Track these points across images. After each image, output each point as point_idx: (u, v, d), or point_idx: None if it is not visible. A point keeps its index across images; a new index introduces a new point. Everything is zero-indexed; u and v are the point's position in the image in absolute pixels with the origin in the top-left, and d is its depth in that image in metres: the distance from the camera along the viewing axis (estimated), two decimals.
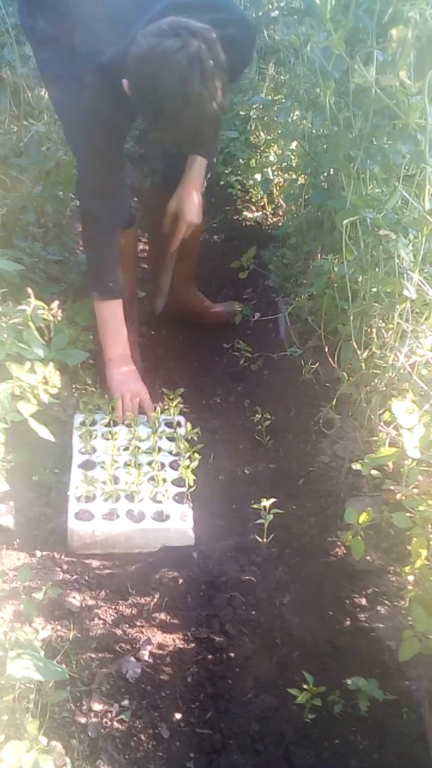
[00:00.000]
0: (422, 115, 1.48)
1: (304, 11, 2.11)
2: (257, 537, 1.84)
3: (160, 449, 2.07)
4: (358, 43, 1.77)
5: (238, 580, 1.72)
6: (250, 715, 1.47)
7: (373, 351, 1.87)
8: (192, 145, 2.02)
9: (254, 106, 3.37)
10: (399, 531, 1.58)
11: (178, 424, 2.18)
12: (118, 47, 1.77)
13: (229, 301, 2.82)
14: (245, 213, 3.39)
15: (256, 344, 2.57)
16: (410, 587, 1.55)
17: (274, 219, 3.31)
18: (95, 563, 1.79)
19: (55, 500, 1.96)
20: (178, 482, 1.98)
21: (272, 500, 1.80)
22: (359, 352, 1.87)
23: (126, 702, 1.47)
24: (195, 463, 1.98)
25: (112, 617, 1.65)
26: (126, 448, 2.05)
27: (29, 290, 1.42)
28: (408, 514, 1.43)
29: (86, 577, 1.74)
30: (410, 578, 1.55)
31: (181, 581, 1.74)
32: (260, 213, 3.36)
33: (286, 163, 3.15)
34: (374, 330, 1.87)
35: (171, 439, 2.13)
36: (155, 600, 1.68)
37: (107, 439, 2.08)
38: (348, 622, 1.64)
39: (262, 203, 3.41)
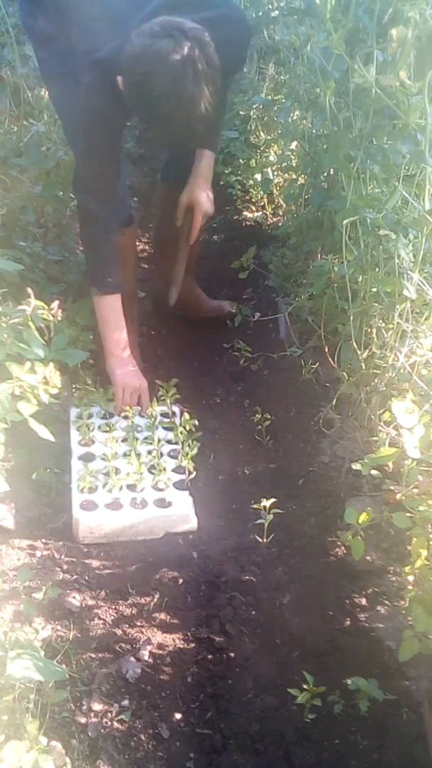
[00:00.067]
0: (422, 115, 1.48)
1: (304, 11, 2.12)
2: (257, 537, 1.84)
3: (158, 439, 2.11)
4: (358, 43, 1.77)
5: (238, 580, 1.72)
6: (250, 715, 1.47)
7: (373, 351, 1.87)
8: (185, 143, 2.06)
9: (254, 106, 3.37)
10: (399, 531, 1.58)
11: (174, 414, 2.22)
12: (113, 45, 1.80)
13: (227, 301, 2.83)
14: (245, 213, 3.39)
15: (256, 344, 2.57)
16: (410, 587, 1.55)
17: (274, 219, 3.32)
18: (95, 563, 1.79)
19: (56, 500, 1.96)
20: (178, 470, 2.02)
21: (272, 500, 1.80)
22: (359, 352, 1.87)
23: (126, 702, 1.46)
24: (195, 450, 2.02)
25: (112, 617, 1.65)
26: (124, 440, 2.09)
27: (29, 290, 1.42)
28: (408, 514, 1.43)
29: (86, 577, 1.74)
30: (410, 578, 1.55)
31: (181, 581, 1.74)
32: (260, 213, 3.37)
33: (286, 163, 3.15)
34: (374, 330, 1.87)
35: (168, 429, 2.17)
36: (155, 600, 1.68)
37: (105, 432, 2.11)
38: (348, 622, 1.64)
39: (262, 203, 3.41)
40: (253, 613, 1.66)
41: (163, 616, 1.65)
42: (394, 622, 1.62)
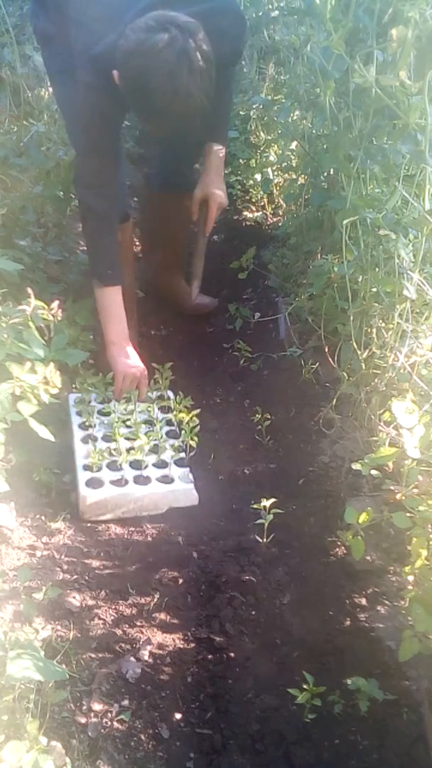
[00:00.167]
0: (422, 115, 1.49)
1: (304, 11, 2.12)
2: (257, 537, 1.84)
3: (157, 419, 2.21)
4: (358, 43, 1.78)
5: (238, 580, 1.72)
6: (250, 715, 1.47)
7: (373, 351, 1.87)
8: (182, 137, 2.09)
9: (254, 106, 3.37)
10: (399, 531, 1.58)
11: (168, 397, 2.32)
12: (108, 40, 1.83)
13: (211, 298, 2.86)
14: (245, 213, 3.39)
15: (256, 344, 2.57)
16: (410, 587, 1.54)
17: (274, 219, 3.32)
18: (95, 563, 1.79)
19: (56, 500, 1.96)
20: (178, 448, 2.12)
21: (272, 500, 1.80)
22: (359, 352, 1.87)
23: (126, 702, 1.46)
24: (196, 428, 2.08)
25: (112, 617, 1.65)
26: (124, 421, 2.16)
27: (29, 290, 1.42)
28: (408, 514, 1.43)
29: (86, 577, 1.74)
30: (410, 578, 1.55)
31: (181, 581, 1.74)
32: (260, 213, 3.36)
33: (286, 163, 3.15)
34: (374, 330, 1.87)
35: (166, 410, 2.28)
36: (155, 600, 1.68)
37: (105, 414, 2.20)
38: (348, 622, 1.64)
39: (262, 203, 3.41)
40: (253, 613, 1.66)
41: (163, 616, 1.66)
42: (394, 622, 1.62)
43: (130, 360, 2.22)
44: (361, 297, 1.86)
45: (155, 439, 2.09)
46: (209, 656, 1.58)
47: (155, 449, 2.09)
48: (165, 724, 1.44)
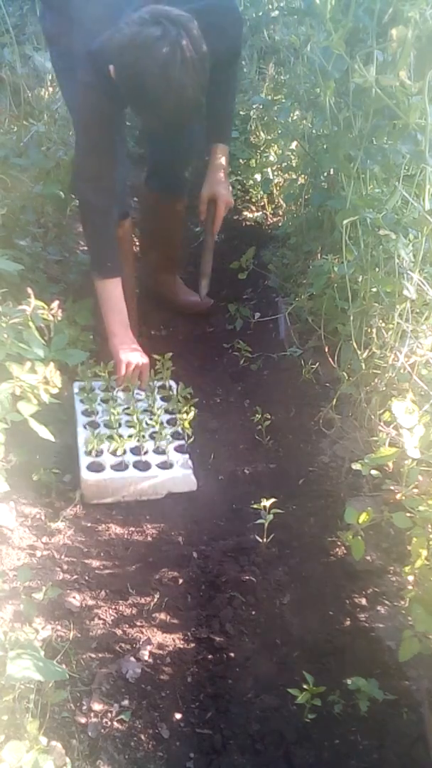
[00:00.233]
0: (422, 115, 1.48)
1: (304, 11, 2.12)
2: (257, 537, 1.84)
3: (158, 407, 2.25)
4: (358, 43, 1.78)
5: (238, 580, 1.72)
6: (250, 715, 1.47)
7: (373, 351, 1.87)
8: (176, 131, 2.13)
9: (254, 106, 3.37)
10: (399, 531, 1.58)
11: (170, 387, 2.35)
12: (104, 37, 1.85)
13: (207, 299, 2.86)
14: (245, 213, 3.39)
15: (256, 344, 2.57)
16: (410, 587, 1.54)
17: (274, 219, 3.31)
18: (95, 563, 1.79)
19: (56, 500, 1.96)
20: (177, 436, 2.16)
21: (272, 500, 1.80)
22: (359, 352, 1.87)
23: (126, 702, 1.47)
24: (191, 415, 2.14)
25: (112, 617, 1.65)
26: (126, 409, 2.21)
27: (29, 290, 1.42)
28: (408, 514, 1.43)
29: (86, 577, 1.74)
30: (410, 578, 1.55)
31: (181, 581, 1.74)
32: (260, 213, 3.36)
33: (286, 163, 3.15)
34: (374, 330, 1.87)
35: (165, 399, 2.31)
36: (155, 600, 1.68)
37: (107, 401, 2.24)
38: (348, 622, 1.64)
39: (262, 203, 3.41)
40: (253, 613, 1.66)
41: (163, 616, 1.66)
42: (394, 622, 1.62)
43: (131, 349, 2.24)
44: (361, 297, 1.86)
45: (155, 426, 2.14)
46: (209, 656, 1.58)
47: (155, 436, 2.14)
48: (165, 724, 1.44)
